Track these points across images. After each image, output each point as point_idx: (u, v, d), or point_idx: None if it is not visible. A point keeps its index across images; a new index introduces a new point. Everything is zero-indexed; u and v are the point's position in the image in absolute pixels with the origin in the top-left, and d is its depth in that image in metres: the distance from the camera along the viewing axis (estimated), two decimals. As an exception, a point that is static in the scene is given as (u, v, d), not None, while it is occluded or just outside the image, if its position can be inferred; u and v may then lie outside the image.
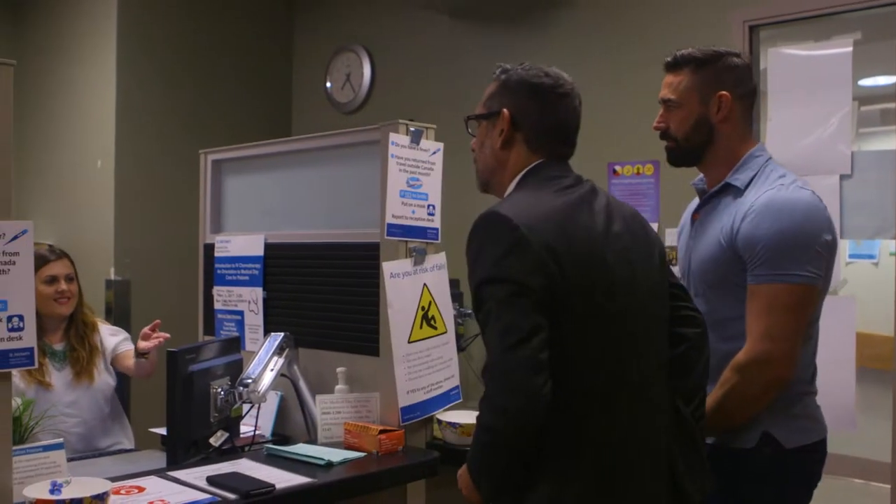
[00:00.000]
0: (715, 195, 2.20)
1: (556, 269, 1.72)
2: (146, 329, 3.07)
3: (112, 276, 4.74)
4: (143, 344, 3.06)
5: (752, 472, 2.05)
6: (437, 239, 2.92)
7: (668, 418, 1.88)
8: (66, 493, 1.98)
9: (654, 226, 3.83)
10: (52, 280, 3.15)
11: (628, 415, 1.80)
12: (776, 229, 2.00)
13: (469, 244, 1.80)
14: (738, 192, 2.13)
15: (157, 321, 3.09)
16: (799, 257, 1.99)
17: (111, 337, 3.32)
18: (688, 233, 2.30)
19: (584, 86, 4.10)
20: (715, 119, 2.17)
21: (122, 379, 3.40)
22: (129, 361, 3.24)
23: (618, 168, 3.97)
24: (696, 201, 2.33)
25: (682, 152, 2.23)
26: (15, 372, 2.78)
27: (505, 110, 1.94)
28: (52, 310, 3.15)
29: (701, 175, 2.29)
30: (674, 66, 2.23)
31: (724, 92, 2.15)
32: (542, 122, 1.93)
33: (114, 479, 2.19)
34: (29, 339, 1.97)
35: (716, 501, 2.11)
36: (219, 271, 3.44)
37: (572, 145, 1.98)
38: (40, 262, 3.13)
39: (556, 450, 1.74)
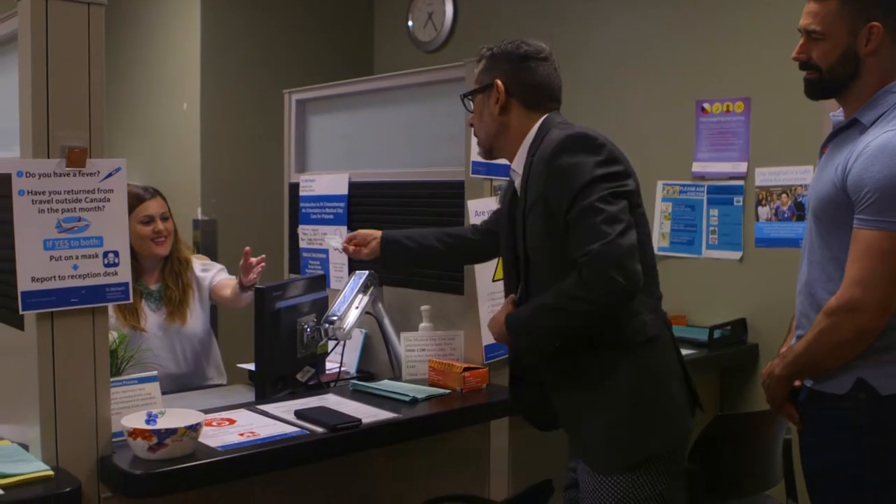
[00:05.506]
0: (843, 129, 2.09)
1: (631, 177, 2.10)
2: (244, 263, 3.04)
3: (199, 216, 4.83)
4: (250, 277, 3.04)
5: (848, 419, 1.99)
6: (521, 177, 2.89)
7: None
8: (162, 424, 2.03)
9: (744, 165, 3.74)
10: (149, 220, 3.09)
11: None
12: (885, 174, 1.90)
13: (559, 158, 2.04)
14: (864, 129, 2.02)
15: (248, 248, 3.05)
16: None
17: (203, 273, 3.28)
18: (817, 165, 2.20)
19: (673, 22, 4.02)
20: (863, 52, 2.03)
21: (211, 316, 3.39)
22: (225, 292, 3.22)
23: (706, 106, 3.86)
24: None
25: (824, 85, 2.10)
26: (111, 313, 2.86)
27: (497, 81, 2.21)
28: (149, 250, 3.11)
29: (841, 109, 2.16)
30: None
31: (875, 23, 2.01)
32: (531, 84, 2.21)
33: (205, 412, 2.24)
34: (124, 273, 2.01)
35: (814, 447, 2.08)
36: (304, 210, 3.47)
37: (560, 101, 2.27)
38: (135, 201, 3.06)
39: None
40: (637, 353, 2.07)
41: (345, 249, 2.67)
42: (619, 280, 1.92)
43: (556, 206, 2.03)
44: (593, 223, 1.95)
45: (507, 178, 2.82)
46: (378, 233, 2.61)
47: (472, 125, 2.34)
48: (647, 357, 2.08)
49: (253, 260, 3.03)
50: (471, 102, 2.31)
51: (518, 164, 2.21)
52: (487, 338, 2.76)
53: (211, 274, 3.30)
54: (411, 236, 2.60)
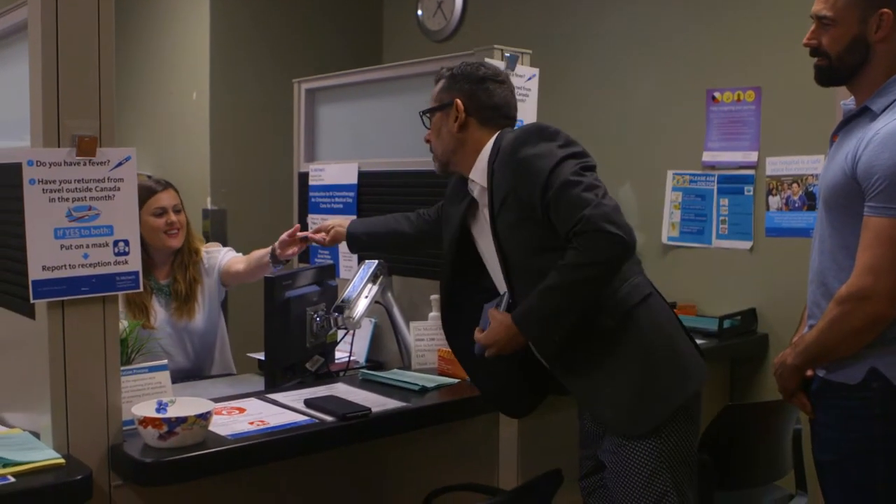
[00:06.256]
0: (853, 117, 2.08)
1: (591, 156, 2.17)
2: (286, 236, 3.02)
3: (209, 206, 4.84)
4: (288, 251, 3.03)
5: (860, 409, 1.99)
6: (531, 166, 2.89)
7: None
8: (172, 412, 2.04)
9: (755, 155, 3.73)
10: (162, 212, 3.04)
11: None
12: (895, 161, 1.90)
13: (519, 152, 2.15)
14: (874, 116, 2.01)
15: (298, 225, 3.09)
16: None
17: (210, 264, 3.23)
18: (828, 154, 2.19)
19: (684, 10, 3.99)
20: (873, 38, 2.03)
21: (222, 308, 3.34)
22: (238, 267, 3.18)
23: (717, 94, 3.85)
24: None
25: (833, 72, 2.10)
26: (122, 310, 2.86)
27: (457, 100, 2.32)
28: (162, 243, 3.06)
29: (852, 97, 2.16)
30: None
31: (885, 9, 2.01)
32: (489, 104, 2.33)
33: (215, 401, 2.25)
34: (134, 262, 2.02)
35: (825, 437, 2.07)
36: (313, 199, 3.48)
37: (514, 119, 2.40)
38: (147, 193, 3.01)
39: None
40: (638, 314, 2.16)
41: (312, 239, 2.92)
42: (618, 233, 1.99)
43: (528, 196, 2.12)
44: (575, 194, 2.04)
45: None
46: (341, 224, 2.83)
47: (427, 141, 2.43)
48: (648, 315, 2.17)
49: (286, 237, 3.02)
50: (428, 119, 2.41)
51: (478, 176, 2.31)
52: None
53: (217, 259, 3.24)
54: (371, 231, 2.81)
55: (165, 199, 3.08)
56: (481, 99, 2.32)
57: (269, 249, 3.07)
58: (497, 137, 2.29)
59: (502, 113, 2.35)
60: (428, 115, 2.41)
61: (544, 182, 2.08)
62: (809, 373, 2.12)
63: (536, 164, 2.10)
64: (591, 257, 2.02)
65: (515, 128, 2.34)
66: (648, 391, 2.14)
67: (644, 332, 2.16)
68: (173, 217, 3.07)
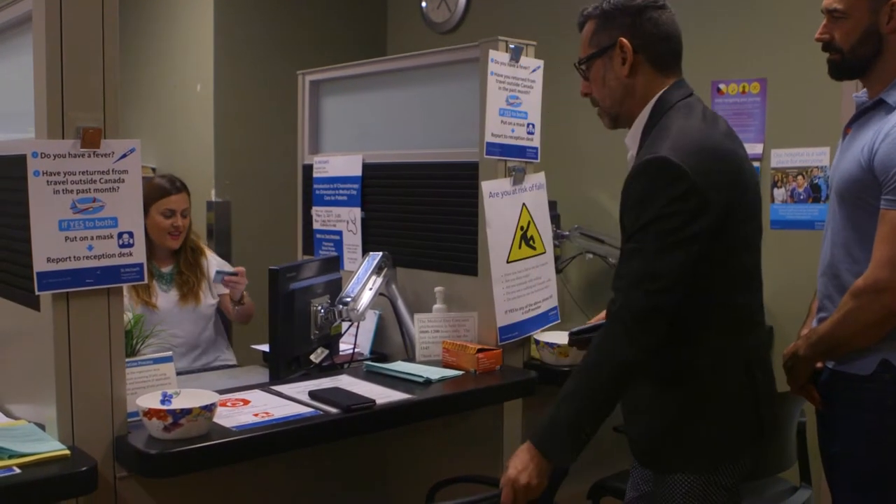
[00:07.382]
0: (868, 110, 2.08)
1: (709, 209, 1.82)
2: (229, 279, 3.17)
3: (213, 198, 4.83)
4: (233, 293, 3.20)
5: (872, 400, 1.99)
6: (536, 158, 2.88)
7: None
8: (177, 404, 2.04)
9: (759, 147, 3.72)
10: (170, 214, 3.19)
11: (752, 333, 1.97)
12: None
13: (634, 184, 1.87)
14: (890, 109, 2.00)
15: (241, 269, 3.19)
16: None
17: (218, 270, 3.31)
18: (840, 146, 2.19)
19: (689, 1, 3.97)
20: (885, 29, 2.02)
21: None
22: (229, 304, 3.32)
23: (722, 86, 3.84)
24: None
25: (847, 65, 2.09)
26: (125, 290, 2.87)
27: (622, 38, 1.97)
28: (163, 241, 3.21)
29: (864, 89, 2.15)
30: None
31: None
32: (658, 39, 1.98)
33: (219, 392, 2.25)
34: (139, 254, 2.02)
35: (835, 429, 2.07)
36: (317, 192, 3.47)
37: (681, 54, 2.04)
38: (160, 193, 3.18)
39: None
40: (680, 382, 1.94)
41: None
42: (634, 335, 1.83)
43: (628, 226, 1.89)
44: (637, 270, 1.84)
45: (520, 160, 2.84)
46: None
47: (585, 94, 2.10)
48: (692, 386, 1.93)
49: (233, 277, 3.15)
50: (585, 71, 2.07)
51: (632, 140, 2.03)
52: (501, 319, 2.76)
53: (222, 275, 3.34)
54: None
55: (176, 201, 3.22)
56: (647, 31, 1.97)
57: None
58: (660, 100, 1.98)
59: (673, 46, 2.00)
60: (585, 65, 2.06)
61: (632, 230, 1.86)
62: (819, 365, 2.11)
63: (638, 206, 1.85)
64: (607, 354, 1.85)
65: (676, 100, 1.98)
66: (655, 438, 1.98)
67: (679, 400, 1.94)
68: (179, 221, 3.22)
